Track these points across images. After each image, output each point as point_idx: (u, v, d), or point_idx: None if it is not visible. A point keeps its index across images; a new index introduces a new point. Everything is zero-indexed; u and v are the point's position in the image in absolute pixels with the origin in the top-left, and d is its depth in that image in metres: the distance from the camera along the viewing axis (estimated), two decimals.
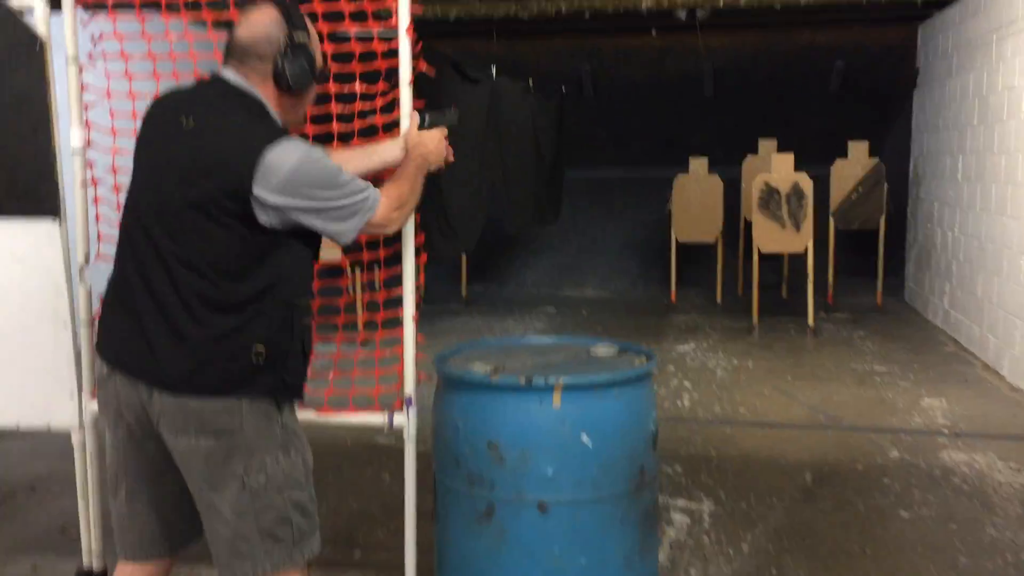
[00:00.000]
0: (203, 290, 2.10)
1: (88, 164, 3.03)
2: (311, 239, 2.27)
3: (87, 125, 3.00)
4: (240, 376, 2.12)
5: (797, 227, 7.66)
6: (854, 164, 8.68)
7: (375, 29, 2.59)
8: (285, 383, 2.20)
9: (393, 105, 2.65)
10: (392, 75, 2.62)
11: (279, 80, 2.22)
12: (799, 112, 9.83)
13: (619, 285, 10.22)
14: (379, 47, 2.65)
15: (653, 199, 10.25)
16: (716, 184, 8.94)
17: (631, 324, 8.34)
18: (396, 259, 2.83)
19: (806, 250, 7.68)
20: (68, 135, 2.97)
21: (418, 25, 2.68)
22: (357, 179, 2.26)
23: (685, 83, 10.05)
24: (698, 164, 8.99)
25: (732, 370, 6.51)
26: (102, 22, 3.01)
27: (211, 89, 2.25)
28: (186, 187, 2.10)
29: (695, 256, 9.70)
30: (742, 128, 9.72)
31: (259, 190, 2.07)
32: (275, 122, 2.24)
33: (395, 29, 2.56)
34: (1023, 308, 5.83)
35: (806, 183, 7.63)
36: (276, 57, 2.20)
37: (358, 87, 2.67)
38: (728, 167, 9.20)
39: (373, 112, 2.72)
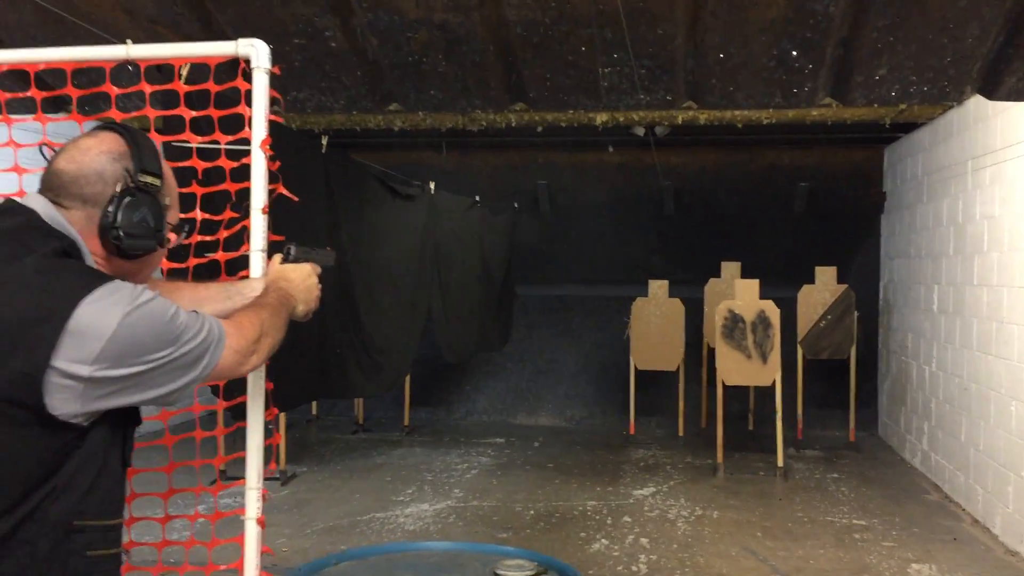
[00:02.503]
0: None
1: None
2: (120, 428, 1.59)
3: None
4: None
5: (764, 358, 7.08)
6: (822, 290, 8.20)
7: (223, 142, 1.97)
8: None
9: (241, 238, 2.01)
10: (243, 200, 1.99)
11: (106, 235, 1.60)
12: (763, 234, 9.41)
13: (575, 412, 9.53)
14: (227, 163, 2.03)
15: (612, 319, 9.72)
16: (677, 308, 8.41)
17: (586, 460, 7.62)
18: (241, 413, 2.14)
19: (774, 383, 7.08)
20: None
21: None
22: (192, 315, 1.61)
23: (644, 201, 9.63)
24: (658, 287, 8.48)
25: (695, 522, 5.79)
26: None
27: (2, 220, 1.59)
28: None
29: (656, 382, 9.06)
30: (704, 249, 9.27)
31: (64, 363, 1.43)
32: (87, 266, 1.59)
33: (247, 143, 1.95)
34: (1016, 459, 5.22)
35: (773, 311, 7.09)
36: (107, 203, 1.60)
37: (198, 214, 2.03)
38: (689, 288, 8.69)
39: (215, 246, 2.07)
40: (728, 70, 4.33)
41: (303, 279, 1.97)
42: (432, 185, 5.95)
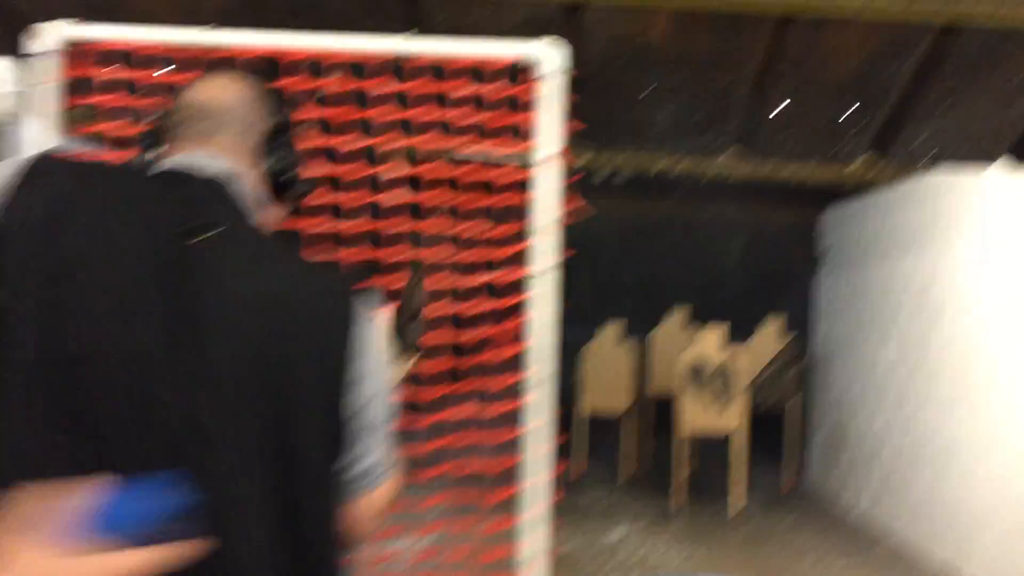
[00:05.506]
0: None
1: None
2: None
3: None
4: None
5: (724, 407, 7.20)
6: (767, 341, 8.44)
7: (507, 151, 1.81)
8: None
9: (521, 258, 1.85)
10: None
11: (274, 178, 1.34)
12: (703, 284, 9.66)
13: None
14: (503, 175, 1.87)
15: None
16: (626, 353, 8.45)
17: None
18: None
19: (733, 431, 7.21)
20: None
21: None
22: None
23: (586, 247, 9.68)
24: (608, 331, 8.50)
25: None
26: None
27: (200, 187, 1.25)
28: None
29: (600, 426, 9.04)
30: (647, 296, 9.41)
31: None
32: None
33: (530, 154, 1.80)
34: (979, 518, 5.47)
35: (734, 360, 7.24)
36: (264, 137, 1.33)
37: (475, 227, 1.86)
38: (635, 332, 8.77)
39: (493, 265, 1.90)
40: (779, 123, 4.41)
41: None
42: None
